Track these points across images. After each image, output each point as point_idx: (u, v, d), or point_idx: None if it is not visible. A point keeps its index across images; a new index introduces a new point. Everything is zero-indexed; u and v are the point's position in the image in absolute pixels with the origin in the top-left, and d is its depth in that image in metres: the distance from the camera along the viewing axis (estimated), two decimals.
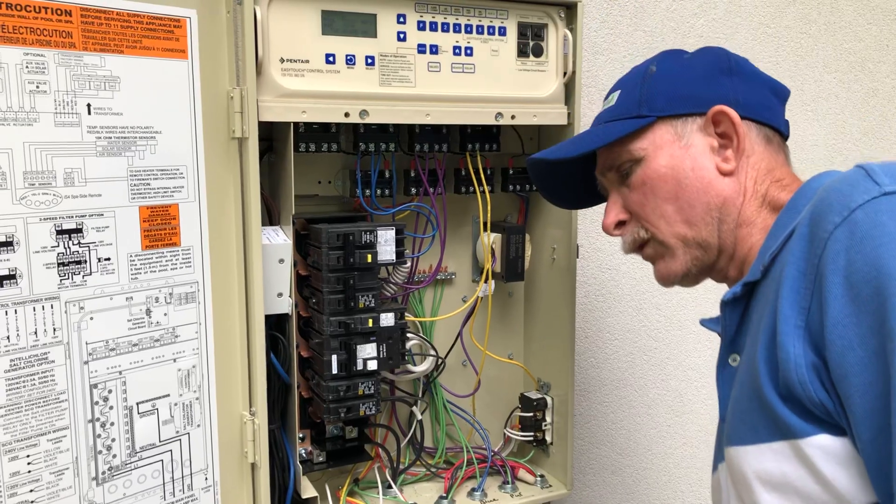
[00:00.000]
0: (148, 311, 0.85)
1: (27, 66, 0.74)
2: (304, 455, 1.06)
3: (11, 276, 0.74)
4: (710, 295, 1.49)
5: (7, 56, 0.72)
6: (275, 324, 0.97)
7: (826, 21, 1.56)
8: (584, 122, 1.33)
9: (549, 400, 1.19)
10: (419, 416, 1.14)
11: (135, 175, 0.83)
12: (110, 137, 0.80)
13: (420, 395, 1.16)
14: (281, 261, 0.94)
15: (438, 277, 1.15)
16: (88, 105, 0.78)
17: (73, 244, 0.78)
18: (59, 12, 0.75)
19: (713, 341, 1.50)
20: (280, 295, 0.95)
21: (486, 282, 1.13)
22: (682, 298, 1.46)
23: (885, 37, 1.64)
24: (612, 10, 1.31)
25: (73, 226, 0.78)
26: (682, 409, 1.50)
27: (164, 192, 0.85)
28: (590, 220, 1.34)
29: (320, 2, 0.92)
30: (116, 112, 0.80)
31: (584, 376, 1.39)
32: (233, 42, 0.89)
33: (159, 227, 0.85)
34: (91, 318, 0.80)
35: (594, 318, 1.37)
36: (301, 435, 1.05)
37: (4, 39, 0.72)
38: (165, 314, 0.87)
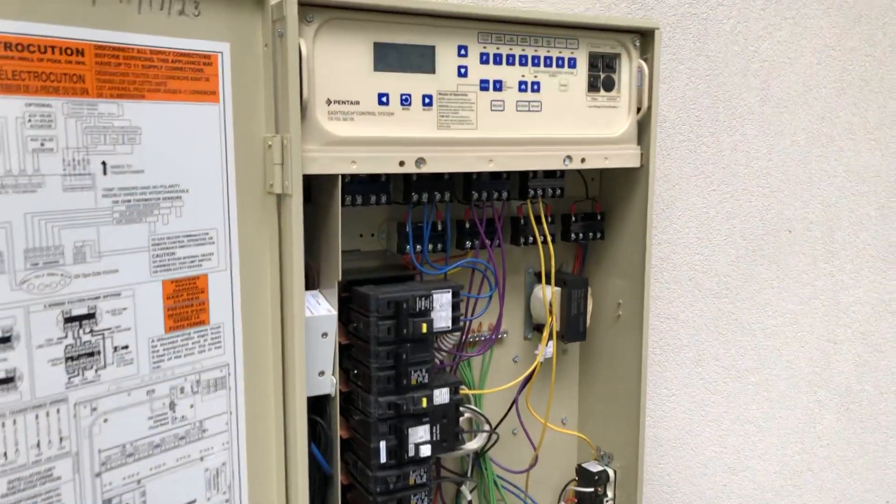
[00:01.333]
0: (172, 405, 0.71)
1: (30, 120, 0.59)
2: None
3: (9, 380, 0.60)
4: (769, 342, 1.36)
5: (5, 108, 0.58)
6: (313, 405, 0.83)
7: (891, 42, 1.44)
8: (661, 163, 1.21)
9: (610, 472, 1.06)
10: (469, 497, 1.00)
11: (157, 244, 0.69)
12: (129, 201, 0.66)
13: (469, 474, 1.02)
14: (324, 335, 0.80)
15: (483, 337, 1.01)
16: (104, 163, 0.64)
17: (85, 333, 0.64)
18: (69, 52, 0.61)
19: (770, 391, 1.38)
20: (322, 374, 0.81)
21: (547, 344, 1.00)
22: (741, 346, 1.33)
23: None
24: (674, 35, 1.18)
25: (84, 311, 0.64)
26: (738, 467, 1.37)
27: (192, 261, 0.71)
28: None
29: (372, 33, 0.79)
30: (137, 170, 0.66)
31: None
32: (270, 81, 0.75)
33: (186, 304, 0.71)
34: (105, 421, 0.66)
35: (651, 372, 1.25)
36: None
37: (3, 88, 0.58)
38: (192, 406, 0.73)
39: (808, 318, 1.41)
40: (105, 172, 0.64)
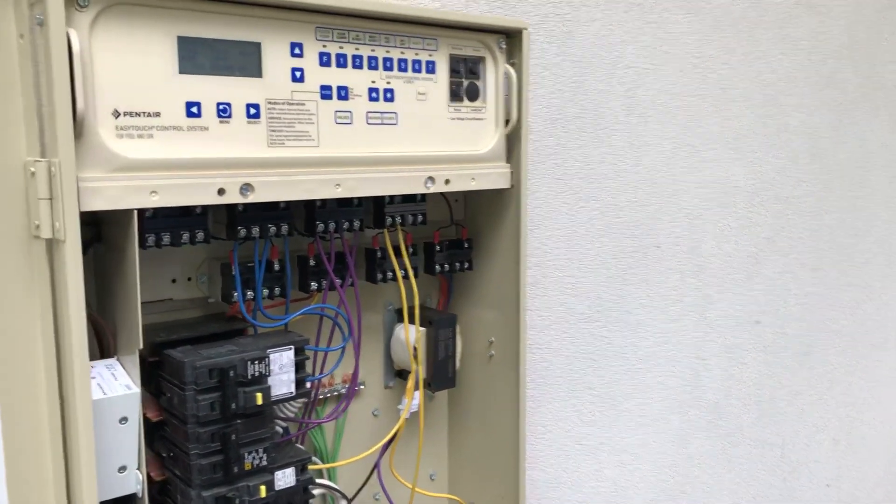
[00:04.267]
0: None
1: None
2: None
3: None
4: (642, 364, 1.29)
5: None
6: None
7: (745, 51, 1.41)
8: (533, 184, 1.09)
9: None
10: None
11: None
12: None
13: None
14: (123, 420, 0.61)
15: (336, 391, 0.85)
16: None
17: None
18: None
19: (644, 416, 1.31)
20: (123, 469, 0.62)
21: (413, 396, 0.85)
22: (615, 372, 1.25)
23: (794, 68, 1.53)
24: (537, 37, 1.07)
25: None
26: (615, 499, 1.29)
27: None
28: None
29: (175, 24, 0.60)
30: None
31: None
32: (31, 86, 0.55)
33: None
34: None
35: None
36: None
37: None
38: None
39: (678, 337, 1.35)
40: None
